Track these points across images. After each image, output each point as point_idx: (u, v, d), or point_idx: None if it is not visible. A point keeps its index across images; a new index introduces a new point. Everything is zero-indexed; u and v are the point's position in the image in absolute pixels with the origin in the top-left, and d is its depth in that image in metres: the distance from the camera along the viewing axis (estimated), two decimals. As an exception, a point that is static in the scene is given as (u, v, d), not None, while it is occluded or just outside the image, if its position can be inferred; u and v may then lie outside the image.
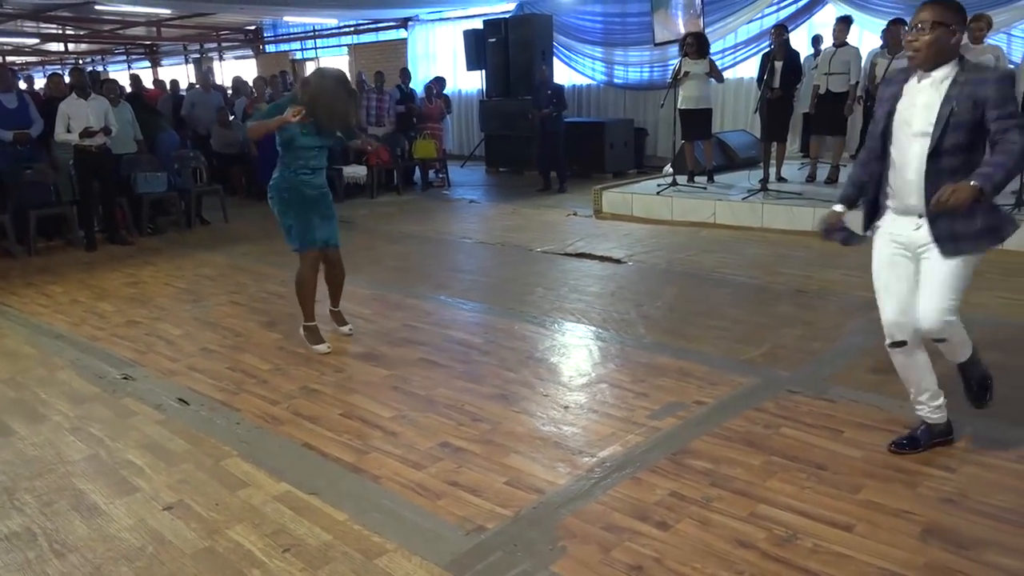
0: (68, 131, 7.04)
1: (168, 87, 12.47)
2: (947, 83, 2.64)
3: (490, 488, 2.80)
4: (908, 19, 7.40)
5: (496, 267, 6.50)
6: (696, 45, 8.29)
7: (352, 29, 16.55)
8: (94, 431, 3.38)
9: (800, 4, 10.36)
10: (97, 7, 12.00)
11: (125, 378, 4.03)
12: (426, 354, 4.26)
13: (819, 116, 8.08)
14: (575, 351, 4.27)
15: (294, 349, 4.35)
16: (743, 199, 7.53)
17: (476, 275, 6.28)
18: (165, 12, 14.45)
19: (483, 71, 12.51)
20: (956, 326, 2.78)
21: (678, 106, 8.30)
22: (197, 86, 12.31)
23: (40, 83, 15.15)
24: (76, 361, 4.31)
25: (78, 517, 2.70)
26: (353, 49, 16.76)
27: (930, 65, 2.68)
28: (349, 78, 4.41)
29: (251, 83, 11.73)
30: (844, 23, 7.97)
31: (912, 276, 2.82)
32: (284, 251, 6.31)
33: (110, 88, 7.78)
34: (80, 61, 23.10)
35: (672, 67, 11.44)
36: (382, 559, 2.40)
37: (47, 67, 23.19)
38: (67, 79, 7.89)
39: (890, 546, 2.38)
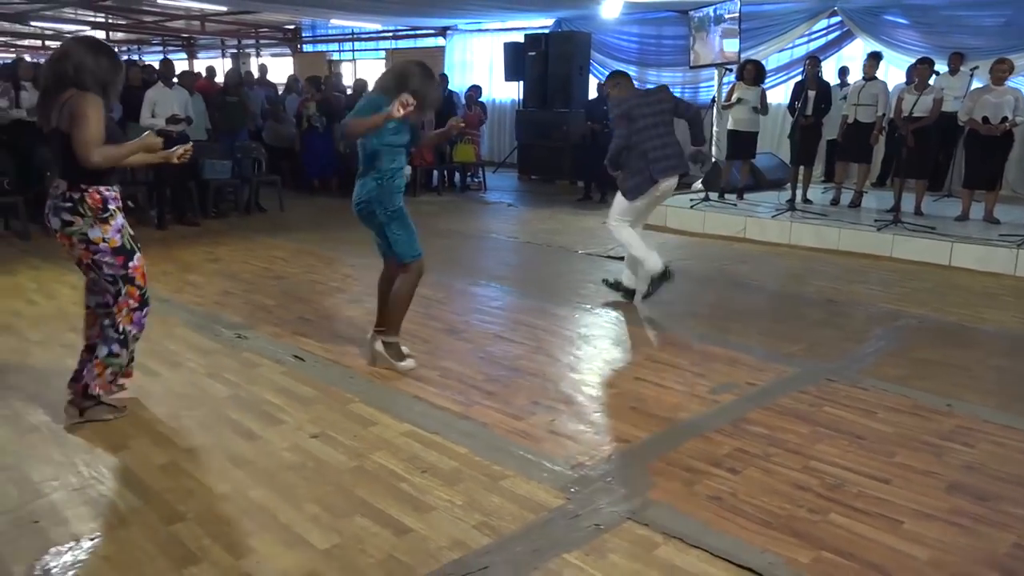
0: (152, 116, 7.59)
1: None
2: None
3: (583, 437, 3.32)
4: (934, 58, 8.00)
5: (545, 264, 7.04)
6: (755, 73, 8.84)
7: (391, 34, 17.16)
8: (228, 377, 3.91)
9: (830, 37, 10.97)
10: (160, 0, 12.56)
11: (239, 337, 4.56)
12: (500, 333, 4.80)
13: (846, 144, 8.64)
14: (634, 337, 4.81)
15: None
16: (772, 216, 8.08)
17: (528, 270, 6.82)
18: (214, 8, 15.03)
19: (521, 82, 13.09)
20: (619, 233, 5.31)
21: (728, 127, 8.89)
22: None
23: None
24: (188, 322, 4.85)
25: (240, 439, 3.23)
26: (390, 54, 17.34)
27: None
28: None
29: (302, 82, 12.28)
30: (874, 59, 8.54)
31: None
32: (343, 239, 6.93)
33: (190, 79, 8.35)
34: (117, 50, 23.77)
35: (703, 89, 12.12)
36: (505, 481, 2.92)
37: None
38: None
39: (921, 495, 2.90)
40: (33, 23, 18.01)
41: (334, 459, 3.07)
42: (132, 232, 3.36)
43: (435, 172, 11.78)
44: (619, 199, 5.27)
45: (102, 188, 3.21)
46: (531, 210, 10.24)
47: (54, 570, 2.34)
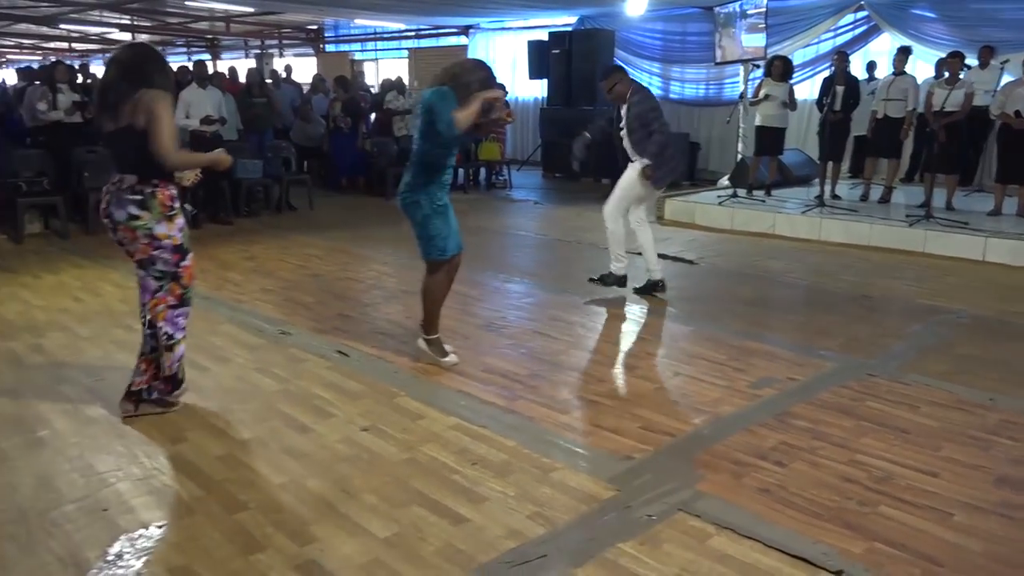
0: (187, 117, 7.71)
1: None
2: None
3: (628, 430, 3.36)
4: (965, 52, 7.94)
5: (576, 261, 7.06)
6: (782, 69, 8.82)
7: (414, 34, 17.24)
8: (277, 371, 3.99)
9: (857, 32, 10.90)
10: (187, 3, 12.70)
11: (283, 333, 4.64)
12: (538, 328, 4.84)
13: (876, 139, 8.59)
14: (673, 333, 4.84)
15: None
16: (802, 213, 8.06)
17: (559, 266, 6.87)
18: (239, 9, 15.16)
19: (545, 80, 13.12)
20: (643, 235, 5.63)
21: (756, 123, 8.88)
22: (269, 82, 13.02)
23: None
24: (232, 318, 4.93)
25: (293, 431, 3.30)
26: (413, 53, 17.44)
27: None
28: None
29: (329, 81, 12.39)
30: (903, 53, 8.49)
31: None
32: (373, 237, 7.02)
33: (219, 80, 8.46)
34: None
35: (728, 86, 12.09)
36: (555, 473, 2.97)
37: (107, 56, 24.13)
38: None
39: (970, 488, 2.92)
40: (61, 26, 18.28)
41: (386, 451, 3.13)
42: (189, 232, 3.44)
43: (460, 170, 11.83)
44: (635, 189, 5.63)
45: (171, 185, 3.29)
46: (557, 208, 10.27)
47: (126, 555, 2.41)
